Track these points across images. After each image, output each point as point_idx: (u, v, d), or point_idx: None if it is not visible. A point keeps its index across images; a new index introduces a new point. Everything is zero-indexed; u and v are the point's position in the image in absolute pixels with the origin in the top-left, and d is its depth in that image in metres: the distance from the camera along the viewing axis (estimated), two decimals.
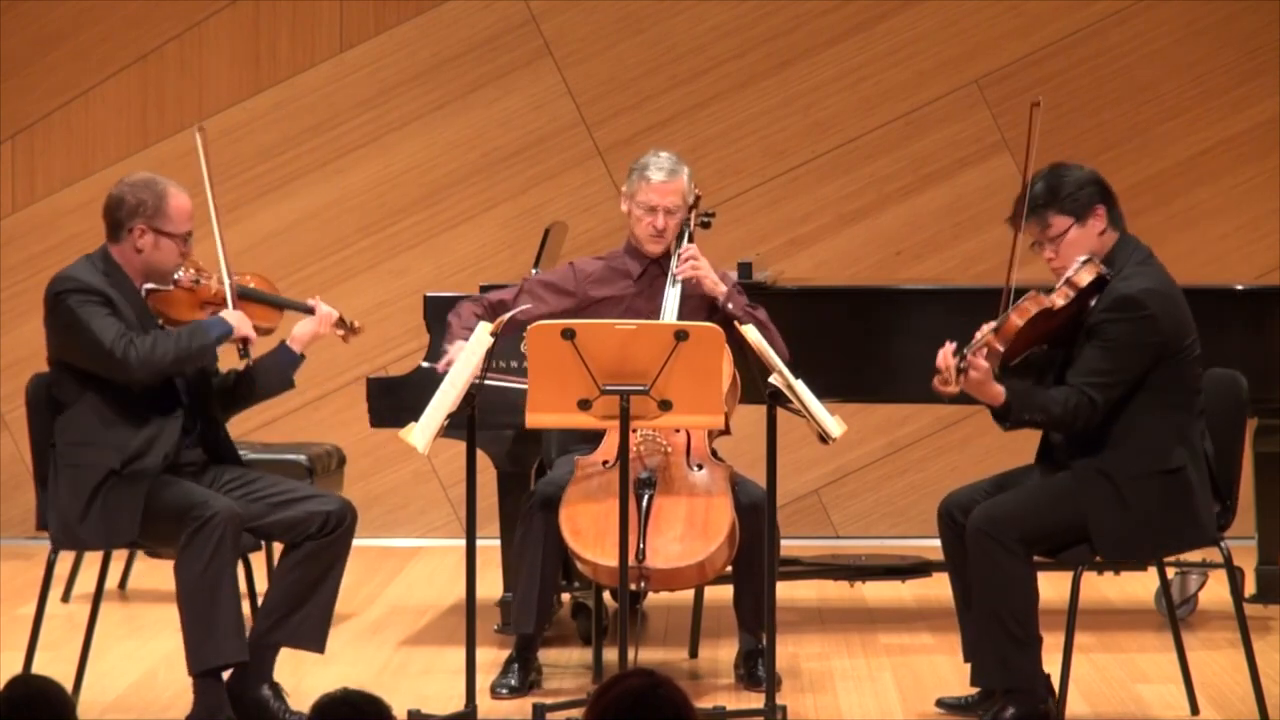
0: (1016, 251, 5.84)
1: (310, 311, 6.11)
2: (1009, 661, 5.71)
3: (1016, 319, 5.70)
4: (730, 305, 6.46)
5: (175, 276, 5.95)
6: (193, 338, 5.81)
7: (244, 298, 6.00)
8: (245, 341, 5.91)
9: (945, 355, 5.69)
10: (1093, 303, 5.75)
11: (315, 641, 5.90)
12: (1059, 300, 5.72)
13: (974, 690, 5.99)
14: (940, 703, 6.11)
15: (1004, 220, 5.93)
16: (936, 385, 5.70)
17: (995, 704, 5.81)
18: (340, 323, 6.09)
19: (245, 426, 6.42)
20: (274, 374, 6.04)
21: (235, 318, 5.89)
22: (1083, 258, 5.77)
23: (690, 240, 6.59)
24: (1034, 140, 5.86)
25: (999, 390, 5.69)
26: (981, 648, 5.78)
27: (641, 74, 9.61)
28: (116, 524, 5.77)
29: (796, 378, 5.77)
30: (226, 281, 5.95)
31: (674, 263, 6.50)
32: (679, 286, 6.48)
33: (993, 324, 5.72)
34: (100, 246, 5.95)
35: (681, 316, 6.38)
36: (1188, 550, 5.96)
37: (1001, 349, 5.70)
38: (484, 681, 6.26)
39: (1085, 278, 5.74)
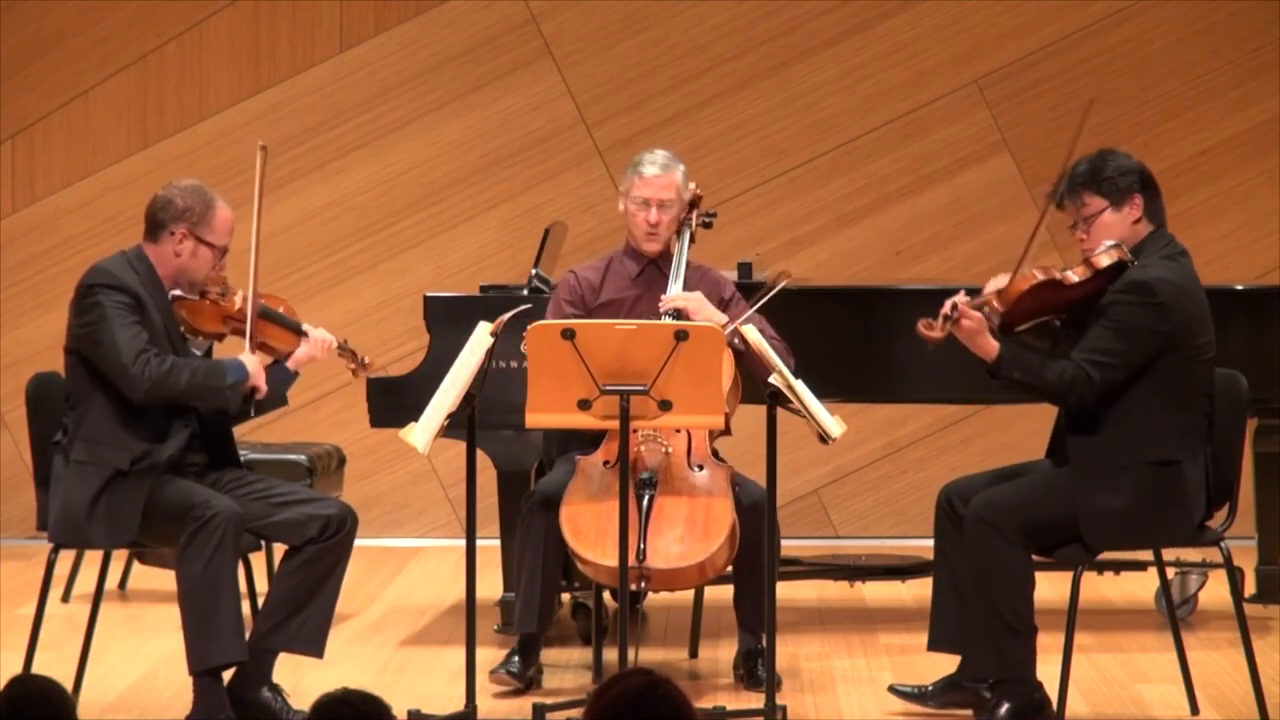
0: (1036, 235, 5.81)
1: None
2: (1003, 651, 5.71)
3: (1021, 284, 5.71)
4: (734, 345, 6.26)
5: (203, 288, 5.96)
6: (209, 376, 5.81)
7: (264, 318, 5.99)
8: (254, 391, 5.91)
9: (948, 302, 5.69)
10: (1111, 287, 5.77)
11: (315, 646, 5.89)
12: (1072, 275, 5.73)
13: (930, 681, 6.03)
14: (893, 689, 6.11)
15: (1045, 195, 5.95)
16: (920, 328, 5.69)
17: (989, 700, 5.80)
18: (344, 350, 6.06)
19: (245, 426, 6.43)
20: (269, 390, 6.04)
21: (252, 364, 5.89)
22: (1110, 242, 5.78)
23: (692, 240, 6.58)
24: (1082, 134, 5.81)
25: (993, 345, 5.70)
26: (975, 637, 5.78)
27: (641, 74, 9.61)
28: (120, 522, 5.77)
29: (796, 378, 5.77)
30: (250, 299, 5.94)
31: (671, 282, 6.46)
32: (680, 284, 6.47)
33: (998, 286, 5.74)
34: (135, 245, 5.94)
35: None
36: (1174, 545, 5.93)
37: (1000, 309, 5.71)
38: (484, 681, 6.26)
39: (1105, 260, 5.74)
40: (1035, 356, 5.74)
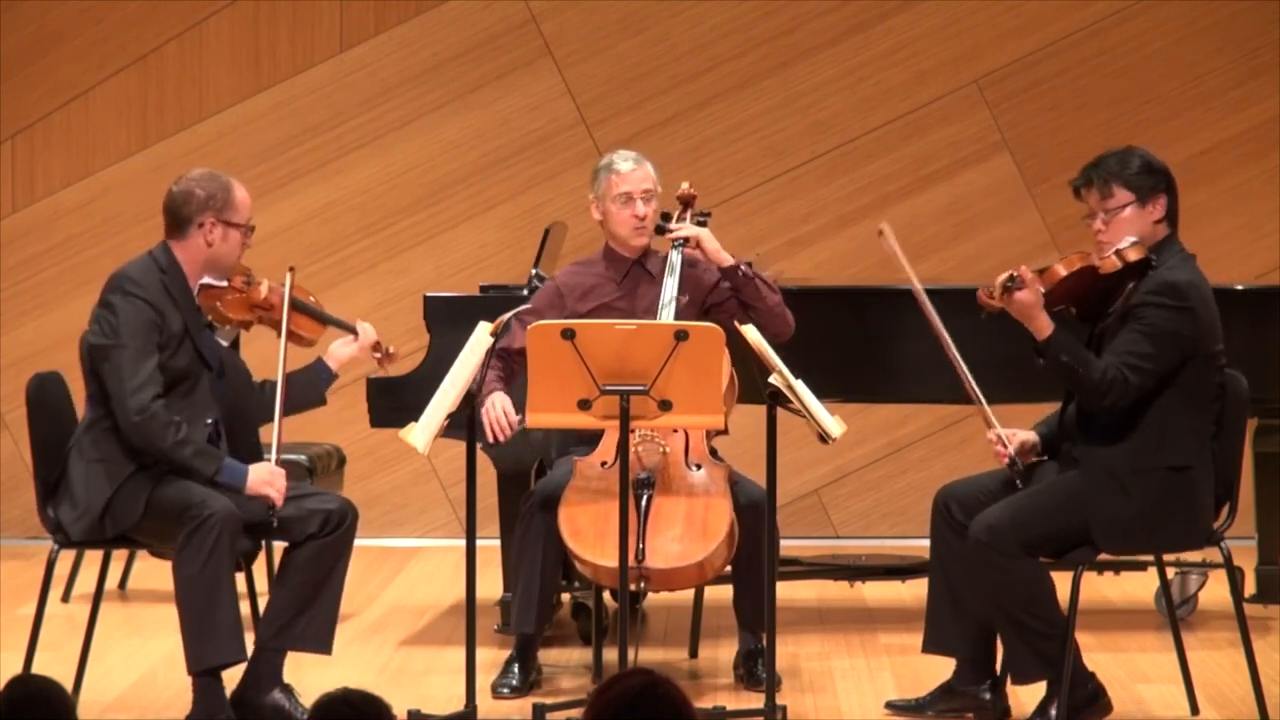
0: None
1: (353, 331, 6.17)
2: (1043, 654, 5.69)
3: (1061, 268, 5.71)
4: (742, 269, 6.42)
5: (229, 277, 6.00)
6: (198, 457, 5.75)
7: (295, 309, 6.04)
8: (273, 507, 5.83)
9: (1006, 273, 5.66)
10: (1130, 285, 5.74)
11: (322, 644, 5.89)
12: (1105, 266, 5.72)
13: (924, 691, 6.05)
14: (890, 705, 6.12)
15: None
16: (981, 295, 5.68)
17: (1041, 700, 5.80)
18: (377, 346, 6.16)
19: None
20: (309, 390, 6.12)
21: (257, 476, 5.83)
22: (1133, 238, 5.77)
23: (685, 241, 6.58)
24: None
25: (1047, 322, 5.68)
26: (1014, 650, 5.75)
27: (641, 74, 9.62)
28: (128, 510, 5.76)
29: (796, 378, 5.78)
30: (287, 296, 6.01)
31: (668, 277, 6.47)
32: (677, 275, 6.46)
33: (1037, 267, 5.72)
34: (160, 243, 5.92)
35: (678, 305, 6.38)
36: (1184, 550, 5.94)
37: (1042, 290, 5.69)
38: (484, 681, 6.26)
39: (1133, 255, 5.73)
40: (1083, 348, 5.71)
